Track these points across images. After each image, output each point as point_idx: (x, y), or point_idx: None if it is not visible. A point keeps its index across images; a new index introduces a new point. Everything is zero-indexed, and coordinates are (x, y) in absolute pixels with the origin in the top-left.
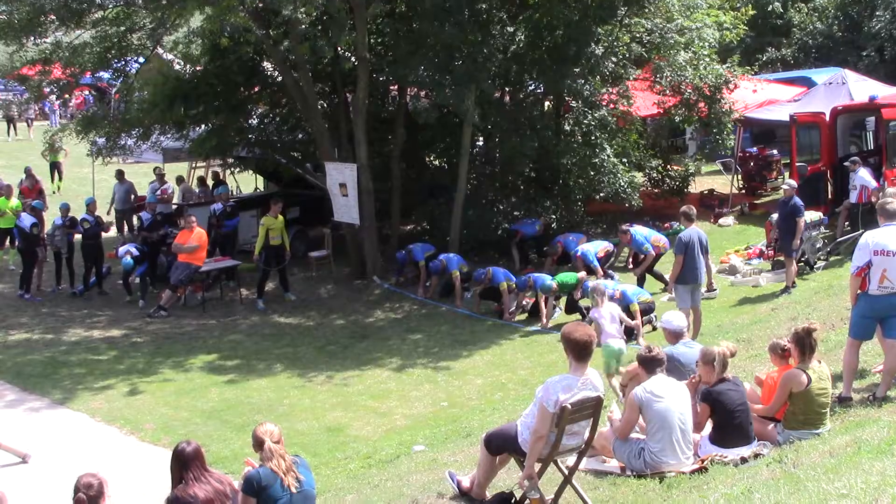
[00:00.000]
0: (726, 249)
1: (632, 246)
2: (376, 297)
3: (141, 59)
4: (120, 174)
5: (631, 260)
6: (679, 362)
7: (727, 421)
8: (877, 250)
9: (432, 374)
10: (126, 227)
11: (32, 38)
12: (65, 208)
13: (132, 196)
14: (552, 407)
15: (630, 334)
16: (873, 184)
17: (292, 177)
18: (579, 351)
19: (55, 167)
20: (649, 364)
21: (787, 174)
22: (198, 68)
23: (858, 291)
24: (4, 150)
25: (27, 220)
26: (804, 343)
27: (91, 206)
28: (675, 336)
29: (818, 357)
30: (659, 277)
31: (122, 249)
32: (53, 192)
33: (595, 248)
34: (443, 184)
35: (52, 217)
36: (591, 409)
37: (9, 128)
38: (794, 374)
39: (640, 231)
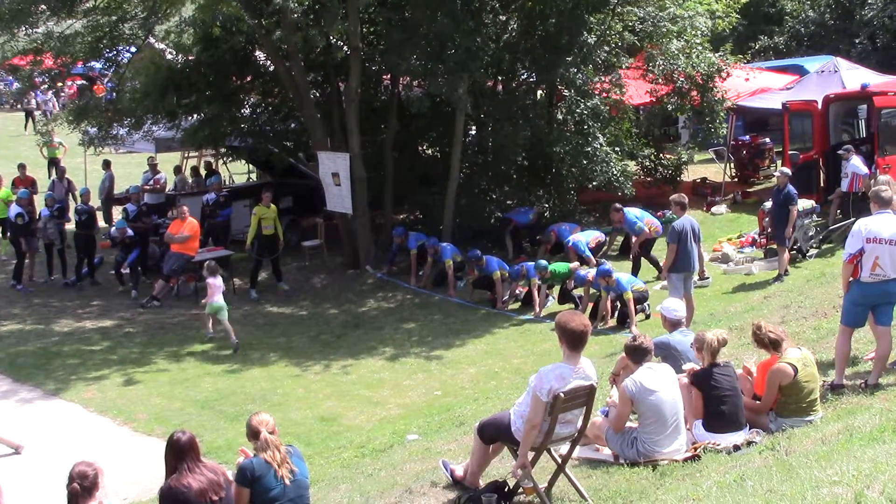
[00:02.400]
0: (719, 238)
1: (624, 225)
2: (369, 287)
3: (133, 49)
4: (106, 164)
5: (632, 243)
6: (676, 350)
7: (716, 406)
8: (869, 237)
9: (425, 363)
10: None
11: (24, 28)
12: (51, 198)
13: (106, 185)
14: (545, 395)
15: (623, 322)
16: (864, 170)
17: (285, 166)
18: (574, 340)
19: (53, 163)
20: (635, 354)
21: (779, 162)
22: (190, 58)
23: (850, 279)
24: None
25: (14, 209)
26: (763, 341)
27: (85, 196)
28: (672, 325)
29: (805, 345)
30: (655, 263)
31: (113, 229)
32: None
33: (586, 238)
34: (436, 173)
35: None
36: (584, 397)
37: (27, 120)
38: (780, 369)
39: (632, 211)
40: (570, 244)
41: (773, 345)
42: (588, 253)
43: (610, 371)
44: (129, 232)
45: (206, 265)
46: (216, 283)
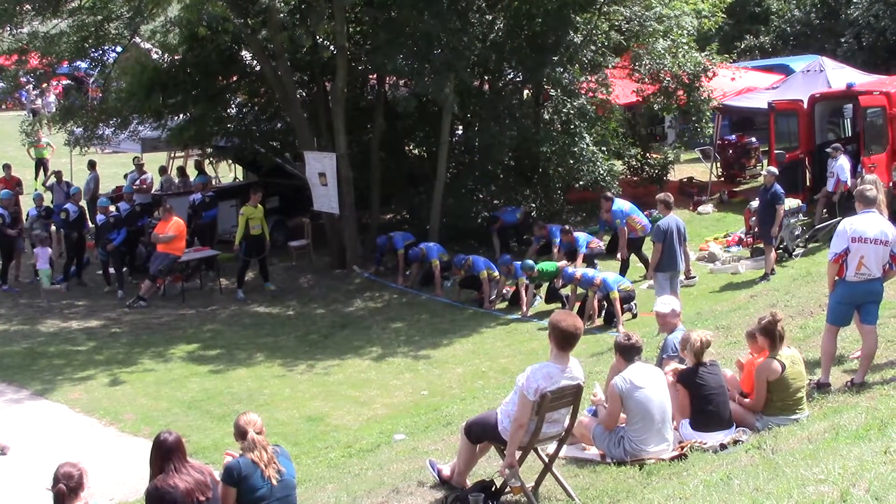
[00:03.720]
0: (705, 237)
1: (610, 216)
2: (356, 287)
3: (118, 49)
4: (91, 164)
5: (619, 243)
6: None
7: (703, 405)
8: (854, 237)
9: (412, 362)
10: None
11: (8, 28)
12: (38, 198)
13: (91, 186)
14: (532, 395)
15: (610, 321)
16: (846, 176)
17: (272, 166)
18: (564, 340)
19: (41, 164)
20: (627, 352)
21: (765, 161)
22: (176, 57)
23: (836, 278)
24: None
25: None
26: (773, 333)
27: (76, 195)
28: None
29: (792, 343)
30: (646, 262)
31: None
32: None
33: (587, 238)
34: (422, 172)
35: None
36: (571, 396)
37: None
38: (768, 364)
39: (621, 205)
40: (572, 233)
41: (780, 339)
42: (584, 249)
43: (602, 377)
44: (124, 206)
45: (33, 235)
46: (44, 252)
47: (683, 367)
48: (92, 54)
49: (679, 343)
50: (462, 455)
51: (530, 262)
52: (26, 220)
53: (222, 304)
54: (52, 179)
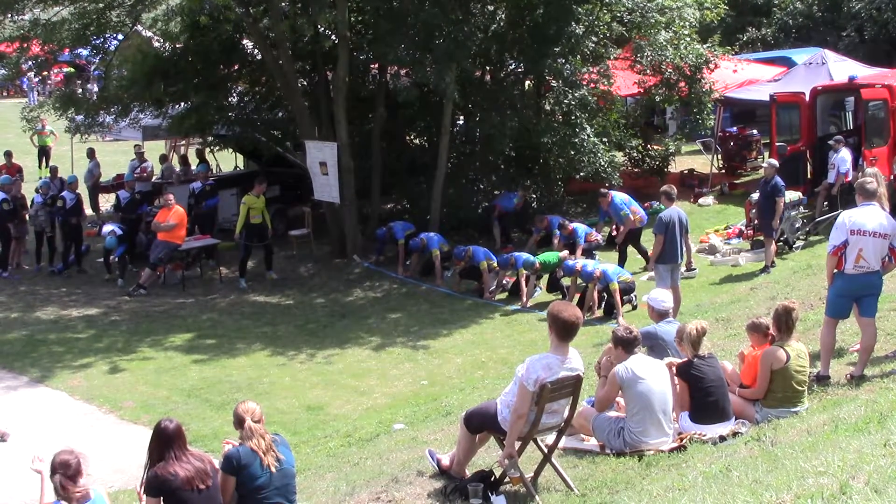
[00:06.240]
0: (706, 229)
1: (610, 209)
2: (356, 276)
3: (120, 37)
4: (90, 152)
5: (615, 230)
6: (662, 340)
7: (702, 397)
8: (854, 229)
9: (412, 352)
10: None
11: (10, 15)
12: (45, 185)
13: (94, 174)
14: (532, 385)
15: (610, 313)
16: (846, 169)
17: (272, 155)
18: (564, 331)
19: (44, 152)
20: (627, 344)
21: (766, 154)
22: (177, 46)
23: (835, 270)
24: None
25: None
26: (783, 322)
27: (73, 184)
28: (660, 315)
29: (796, 336)
30: (644, 253)
31: (106, 229)
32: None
33: (585, 230)
34: (423, 162)
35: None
36: (571, 387)
37: None
38: (773, 351)
39: (620, 196)
40: (571, 226)
41: (789, 329)
42: (582, 241)
43: (596, 360)
44: (124, 194)
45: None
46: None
47: (680, 360)
48: (93, 42)
49: (675, 334)
50: (461, 445)
51: (531, 257)
52: (32, 206)
53: (222, 293)
54: (48, 174)
